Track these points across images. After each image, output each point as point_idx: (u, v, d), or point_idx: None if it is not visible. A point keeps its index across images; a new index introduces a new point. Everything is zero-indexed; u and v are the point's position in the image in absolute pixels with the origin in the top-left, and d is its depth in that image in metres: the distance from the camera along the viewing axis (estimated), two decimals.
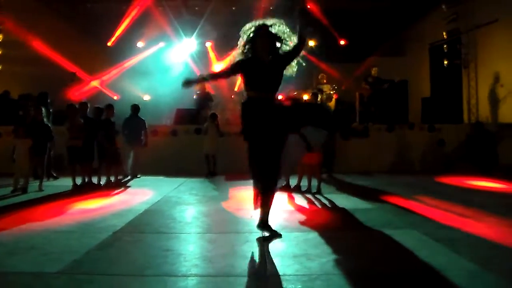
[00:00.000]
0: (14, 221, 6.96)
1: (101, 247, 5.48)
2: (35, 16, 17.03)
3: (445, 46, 17.57)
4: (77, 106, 11.53)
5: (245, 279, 4.29)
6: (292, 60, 5.93)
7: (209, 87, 17.91)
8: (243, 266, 4.67)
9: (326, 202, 8.72)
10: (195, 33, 19.32)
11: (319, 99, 15.67)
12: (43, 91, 12.40)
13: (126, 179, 12.54)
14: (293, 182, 10.23)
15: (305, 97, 17.17)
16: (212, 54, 20.33)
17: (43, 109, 11.01)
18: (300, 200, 8.93)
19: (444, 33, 17.43)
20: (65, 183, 11.29)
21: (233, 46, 19.31)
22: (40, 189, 10.48)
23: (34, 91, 13.80)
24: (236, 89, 19.21)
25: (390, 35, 19.71)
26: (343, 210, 7.90)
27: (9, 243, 5.61)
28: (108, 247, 5.50)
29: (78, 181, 11.03)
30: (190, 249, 5.49)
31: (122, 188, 11.04)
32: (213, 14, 18.55)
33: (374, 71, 16.57)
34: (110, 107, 11.92)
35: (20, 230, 6.24)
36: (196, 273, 4.46)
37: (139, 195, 9.91)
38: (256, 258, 4.95)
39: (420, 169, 13.99)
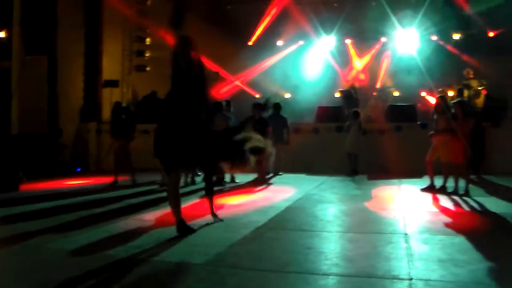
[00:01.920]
0: (162, 214, 7.42)
1: (244, 242, 5.66)
2: None
3: None
4: (223, 104, 11.97)
5: (386, 282, 4.17)
6: None
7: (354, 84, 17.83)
8: (385, 267, 4.56)
9: (475, 205, 8.23)
10: (334, 30, 19.18)
11: (465, 95, 14.85)
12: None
13: (268, 176, 12.79)
14: (438, 182, 9.81)
15: (450, 93, 16.34)
16: (352, 51, 20.06)
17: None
18: (445, 202, 8.54)
19: None
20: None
21: (373, 42, 18.95)
22: (186, 184, 11.07)
23: None
24: (378, 85, 18.83)
25: None
26: (493, 214, 7.39)
27: (157, 234, 6.02)
28: (251, 242, 5.67)
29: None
30: (331, 247, 5.47)
31: (265, 185, 11.29)
32: (352, 10, 18.29)
33: None
34: (256, 106, 12.20)
35: (168, 222, 6.64)
36: (336, 272, 4.45)
37: (281, 192, 10.07)
38: (399, 260, 4.80)
39: None
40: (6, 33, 15.32)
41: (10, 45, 15.26)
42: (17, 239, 5.86)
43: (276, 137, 12.93)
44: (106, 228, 6.47)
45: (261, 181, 11.56)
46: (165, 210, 7.85)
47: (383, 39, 19.39)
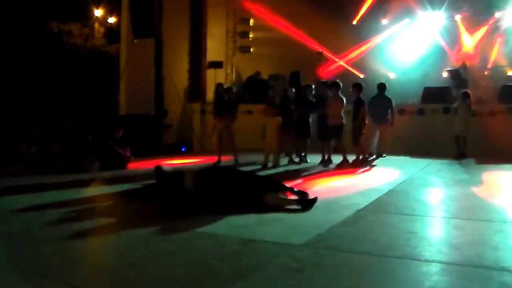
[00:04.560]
0: None
1: (344, 224, 5.55)
2: None
3: None
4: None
5: (494, 273, 3.88)
6: None
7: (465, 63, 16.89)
8: (494, 258, 4.24)
9: None
10: (443, 6, 18.22)
11: None
12: (295, 70, 12.89)
13: (370, 158, 12.55)
14: None
15: None
16: (462, 28, 18.91)
17: (292, 89, 11.61)
18: None
19: None
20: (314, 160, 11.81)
21: (485, 17, 17.76)
22: (290, 164, 11.14)
23: (282, 71, 14.55)
24: (490, 64, 17.73)
25: None
26: None
27: (258, 214, 6.01)
28: (351, 225, 5.55)
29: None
30: (434, 233, 5.26)
31: (367, 167, 11.07)
32: None
33: None
34: (356, 86, 11.92)
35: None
36: (440, 259, 4.22)
37: (384, 174, 9.87)
38: (510, 251, 4.46)
39: None
40: (116, 18, 16.09)
41: (119, 29, 16.02)
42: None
43: (380, 118, 12.63)
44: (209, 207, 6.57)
45: (360, 163, 11.30)
46: None
47: (497, 14, 18.12)
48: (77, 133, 11.74)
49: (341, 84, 11.37)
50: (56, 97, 18.73)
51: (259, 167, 10.95)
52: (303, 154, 12.20)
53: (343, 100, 11.09)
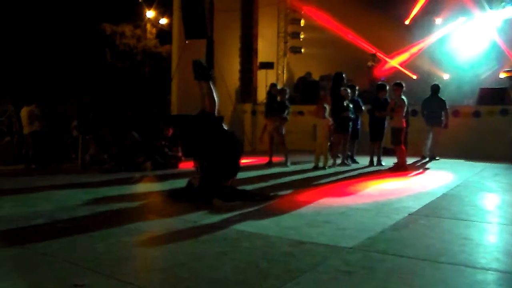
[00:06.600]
0: (314, 196, 7.44)
1: (396, 228, 5.44)
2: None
3: None
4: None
5: None
6: None
7: None
8: None
9: None
10: (502, 4, 17.61)
11: None
12: (338, 71, 12.73)
13: (424, 161, 12.32)
14: None
15: None
16: None
17: (346, 88, 11.51)
18: None
19: None
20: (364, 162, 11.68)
21: None
22: (343, 165, 11.04)
23: (334, 72, 14.36)
24: None
25: None
26: None
27: (308, 215, 6.00)
28: (403, 229, 5.44)
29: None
30: (491, 240, 5.09)
31: (420, 170, 10.87)
32: None
33: None
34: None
35: (318, 204, 6.61)
36: (497, 267, 4.07)
37: (437, 178, 9.67)
38: None
39: None
40: (167, 19, 16.34)
41: (171, 30, 16.24)
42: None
43: (433, 120, 12.39)
44: (256, 207, 6.56)
45: (401, 167, 11.01)
46: (316, 191, 7.88)
47: None
48: (122, 134, 11.90)
49: (404, 85, 11.18)
50: (109, 96, 19.18)
51: (309, 168, 10.91)
52: (351, 155, 12.10)
53: (405, 102, 10.91)
